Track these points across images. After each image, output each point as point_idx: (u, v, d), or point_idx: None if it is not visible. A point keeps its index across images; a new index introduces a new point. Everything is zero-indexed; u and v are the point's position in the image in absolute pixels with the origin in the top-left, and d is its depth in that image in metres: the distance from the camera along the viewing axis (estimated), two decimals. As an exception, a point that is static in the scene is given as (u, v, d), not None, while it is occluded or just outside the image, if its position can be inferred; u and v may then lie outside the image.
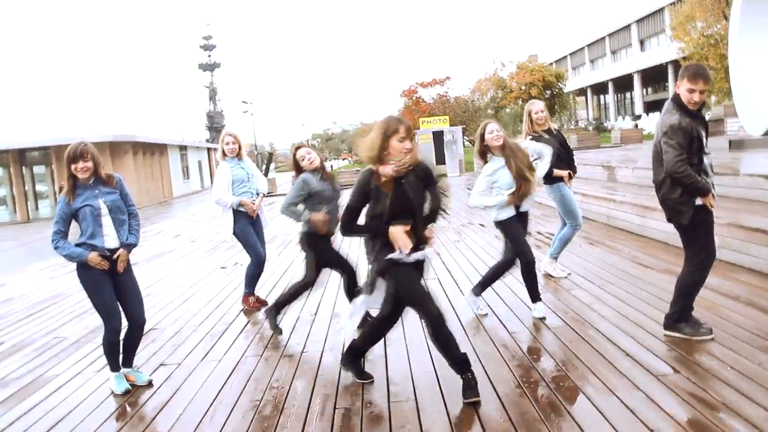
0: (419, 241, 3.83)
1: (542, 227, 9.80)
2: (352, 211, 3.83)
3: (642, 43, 51.32)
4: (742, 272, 5.92)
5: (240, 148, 6.45)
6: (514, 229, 5.22)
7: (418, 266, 3.91)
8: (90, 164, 4.15)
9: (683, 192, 4.16)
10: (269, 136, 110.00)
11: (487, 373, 4.08)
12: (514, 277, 5.80)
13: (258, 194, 6.45)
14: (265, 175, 30.75)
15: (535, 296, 5.24)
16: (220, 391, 4.27)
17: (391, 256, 3.74)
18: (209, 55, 77.30)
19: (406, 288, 3.82)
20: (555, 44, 64.46)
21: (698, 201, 4.17)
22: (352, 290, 5.34)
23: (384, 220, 3.71)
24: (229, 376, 4.57)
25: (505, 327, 5.03)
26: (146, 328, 5.74)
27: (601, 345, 4.43)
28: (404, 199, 3.73)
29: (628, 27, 52.37)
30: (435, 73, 61.60)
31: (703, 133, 4.18)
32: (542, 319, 5.12)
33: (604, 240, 8.37)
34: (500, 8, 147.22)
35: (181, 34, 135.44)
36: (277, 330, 5.45)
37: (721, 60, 26.31)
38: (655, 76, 48.53)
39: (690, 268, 4.34)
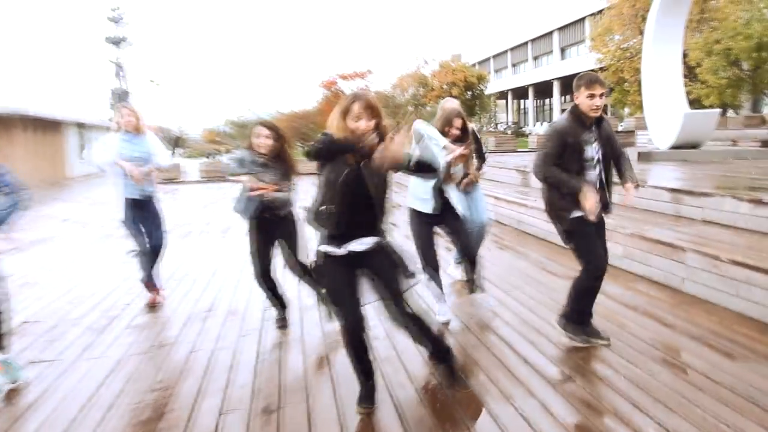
0: (372, 228, 3.39)
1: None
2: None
3: (563, 51, 52.88)
4: (642, 282, 6.03)
5: (138, 122, 5.78)
6: (419, 231, 5.09)
7: (381, 257, 3.41)
8: None
9: (563, 198, 4.14)
10: (178, 120, 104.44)
11: (384, 377, 3.93)
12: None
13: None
14: None
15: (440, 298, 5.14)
16: (95, 392, 3.92)
17: (320, 246, 3.39)
18: (117, 27, 72.78)
19: (328, 290, 3.49)
20: (479, 45, 65.19)
21: (577, 213, 4.13)
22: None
23: (337, 201, 3.22)
24: (108, 375, 4.21)
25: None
26: (18, 321, 5.30)
27: (501, 351, 4.37)
28: (360, 185, 3.22)
29: (550, 34, 53.82)
30: (356, 66, 61.16)
31: (593, 143, 4.14)
32: (446, 323, 5.02)
33: (514, 245, 8.43)
34: (426, 4, 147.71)
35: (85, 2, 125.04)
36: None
37: (636, 73, 27.46)
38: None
39: (583, 275, 4.30)
